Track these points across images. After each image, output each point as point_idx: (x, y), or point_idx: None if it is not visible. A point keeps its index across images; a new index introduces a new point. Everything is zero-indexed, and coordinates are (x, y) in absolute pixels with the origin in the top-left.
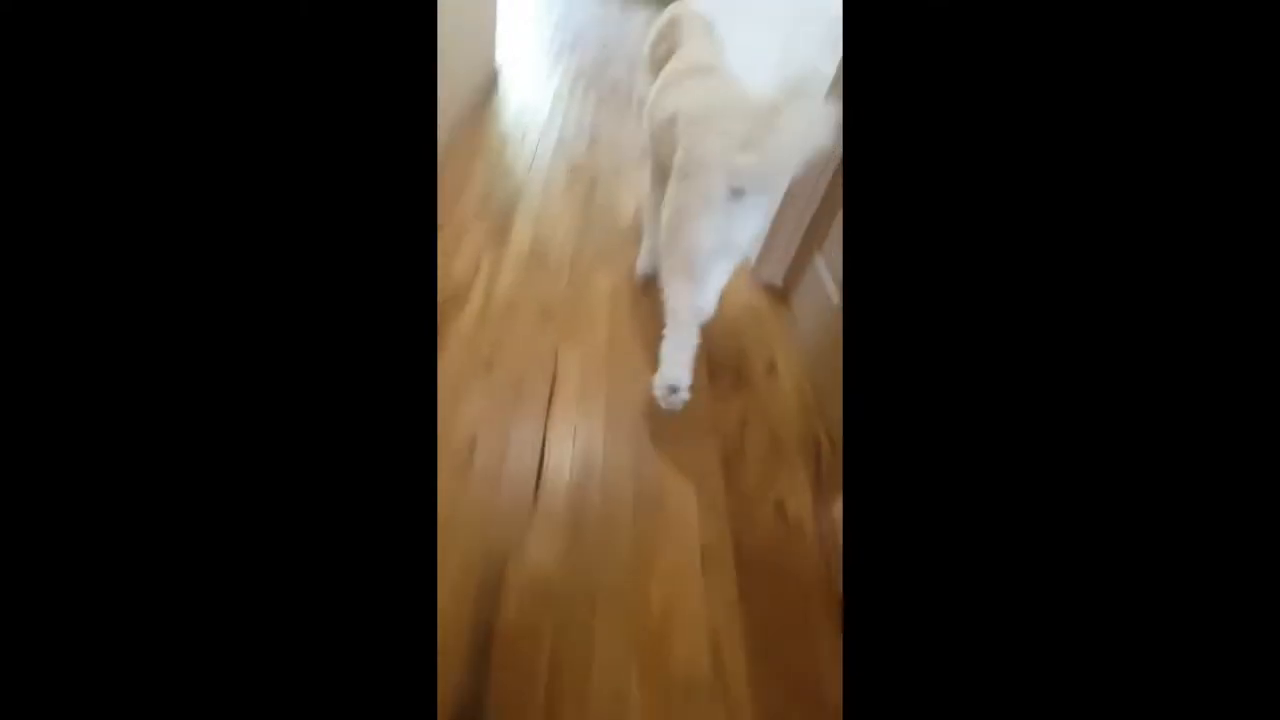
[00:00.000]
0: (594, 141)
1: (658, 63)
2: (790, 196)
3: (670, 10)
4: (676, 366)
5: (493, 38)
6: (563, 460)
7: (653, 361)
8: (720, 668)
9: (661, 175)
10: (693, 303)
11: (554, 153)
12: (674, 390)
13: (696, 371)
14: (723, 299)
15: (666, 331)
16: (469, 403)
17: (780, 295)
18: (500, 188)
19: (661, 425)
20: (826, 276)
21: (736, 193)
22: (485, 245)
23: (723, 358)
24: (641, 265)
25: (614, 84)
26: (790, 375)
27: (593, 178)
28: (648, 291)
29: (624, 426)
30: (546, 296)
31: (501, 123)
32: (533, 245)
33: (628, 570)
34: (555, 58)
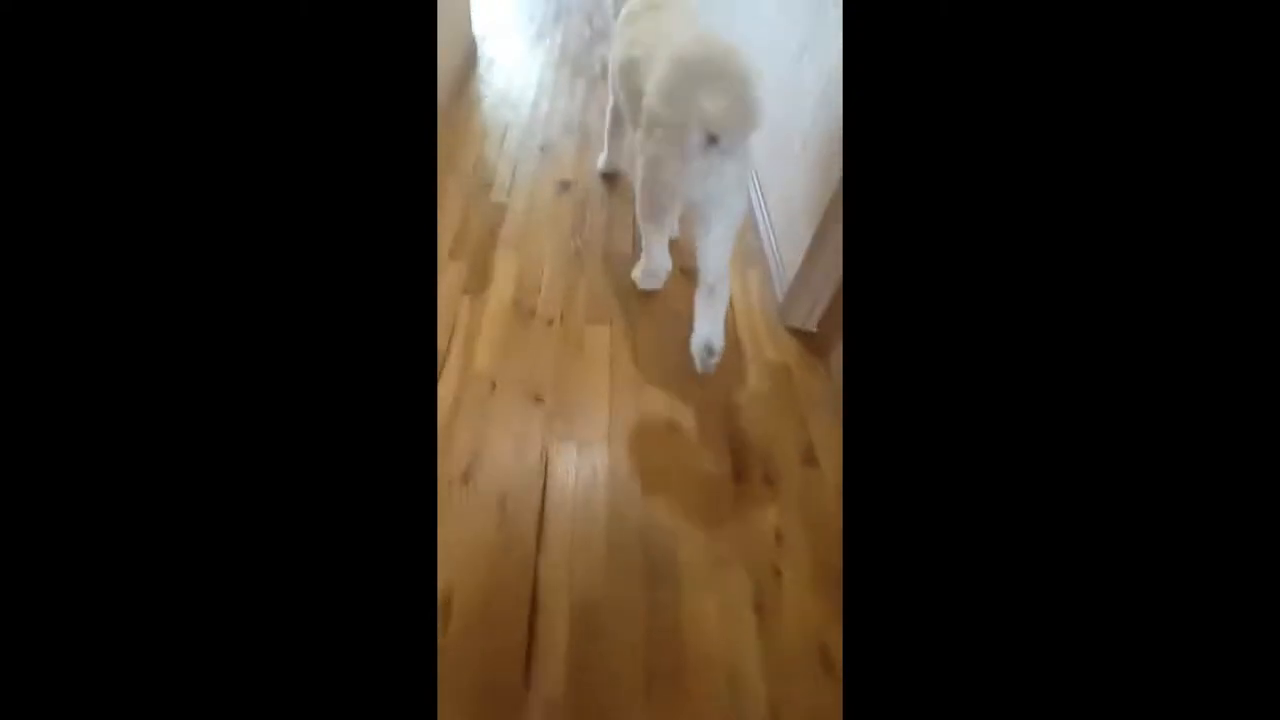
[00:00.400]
0: (583, 144)
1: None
2: (825, 224)
3: None
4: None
5: (467, 6)
6: (556, 615)
7: (660, 459)
8: None
9: (629, 107)
10: (666, 251)
11: (539, 161)
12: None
13: (720, 468)
14: (745, 357)
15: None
16: (441, 532)
17: (814, 345)
18: (479, 210)
19: (678, 557)
20: None
21: (711, 140)
22: (461, 295)
23: (750, 443)
24: (601, 165)
25: (603, 64)
26: (833, 463)
27: (584, 195)
28: (646, 322)
29: (633, 565)
30: (534, 371)
31: (481, 111)
32: (516, 294)
33: None
34: (538, 35)
